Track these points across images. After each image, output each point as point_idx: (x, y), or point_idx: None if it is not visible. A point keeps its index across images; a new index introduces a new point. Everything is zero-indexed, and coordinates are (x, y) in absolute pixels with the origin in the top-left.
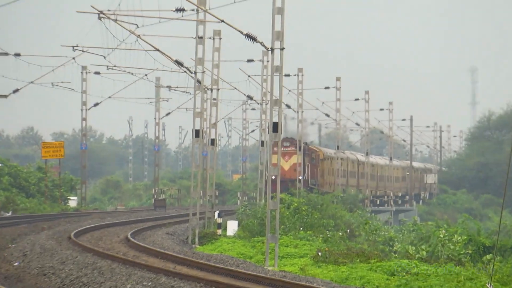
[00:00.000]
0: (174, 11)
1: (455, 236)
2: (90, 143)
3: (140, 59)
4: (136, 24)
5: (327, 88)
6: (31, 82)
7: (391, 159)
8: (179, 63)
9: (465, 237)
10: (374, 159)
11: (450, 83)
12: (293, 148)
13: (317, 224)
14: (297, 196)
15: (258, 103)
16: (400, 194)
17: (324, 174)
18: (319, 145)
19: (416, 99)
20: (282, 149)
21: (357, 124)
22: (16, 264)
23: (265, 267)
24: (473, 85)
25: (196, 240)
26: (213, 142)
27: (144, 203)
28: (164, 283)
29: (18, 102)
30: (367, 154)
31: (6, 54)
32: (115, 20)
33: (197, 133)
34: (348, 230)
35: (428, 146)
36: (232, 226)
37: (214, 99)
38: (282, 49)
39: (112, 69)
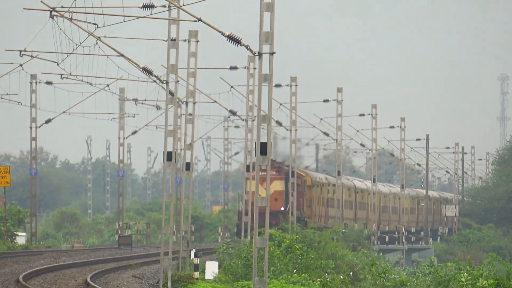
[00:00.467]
0: (141, 7)
1: (480, 280)
2: (41, 168)
3: (100, 66)
4: (96, 24)
5: (326, 101)
6: None
7: (402, 186)
8: (147, 71)
9: (492, 281)
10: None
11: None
12: (274, 173)
13: (313, 265)
14: (289, 232)
15: (243, 120)
16: (413, 230)
17: (312, 204)
18: (317, 170)
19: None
20: (260, 173)
21: (362, 145)
22: None
23: None
24: (503, 97)
25: (169, 284)
26: (188, 166)
27: (106, 240)
28: None
29: None
30: (374, 181)
31: None
32: (70, 19)
33: (169, 156)
34: (351, 273)
35: (447, 172)
36: (211, 268)
37: (190, 114)
38: (272, 53)
39: (67, 78)
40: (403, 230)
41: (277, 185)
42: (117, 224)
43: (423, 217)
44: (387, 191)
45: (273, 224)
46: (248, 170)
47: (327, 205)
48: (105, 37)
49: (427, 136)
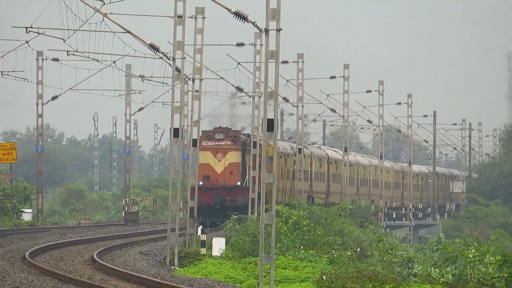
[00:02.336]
0: None
1: (487, 256)
2: (47, 145)
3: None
4: (102, 1)
5: (333, 78)
6: None
7: (410, 163)
8: (154, 48)
9: (500, 258)
10: (355, 157)
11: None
12: (229, 142)
13: (321, 241)
14: (297, 208)
15: (250, 96)
16: (420, 206)
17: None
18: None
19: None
20: (213, 143)
21: (369, 121)
22: None
23: None
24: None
25: (176, 261)
26: (195, 143)
27: (113, 216)
28: None
29: None
30: (381, 157)
31: None
32: None
33: (176, 132)
34: (358, 249)
35: (454, 148)
36: (218, 244)
37: (197, 91)
38: (278, 30)
39: (73, 55)
40: (410, 206)
41: (232, 157)
42: (123, 200)
43: (430, 193)
44: (366, 162)
45: (228, 201)
46: (254, 146)
47: (293, 178)
48: (111, 13)
49: (434, 112)
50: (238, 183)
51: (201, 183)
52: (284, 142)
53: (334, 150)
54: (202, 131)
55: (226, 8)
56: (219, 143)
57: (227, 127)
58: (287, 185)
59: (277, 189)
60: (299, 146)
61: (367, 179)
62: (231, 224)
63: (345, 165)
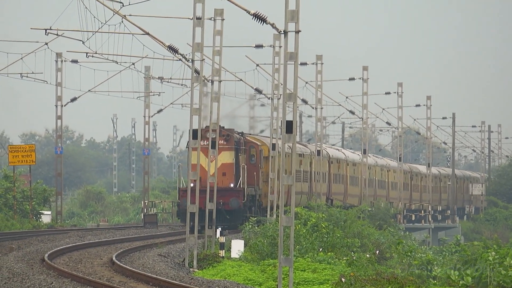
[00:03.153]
0: None
1: (507, 258)
2: (66, 146)
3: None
4: (121, 2)
5: (351, 79)
6: None
7: (429, 165)
8: (173, 50)
9: None
10: (351, 154)
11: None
12: (222, 142)
13: (339, 244)
14: (316, 210)
15: (269, 98)
16: (439, 208)
17: (269, 179)
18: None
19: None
20: (205, 142)
21: (388, 123)
22: None
23: None
24: None
25: (194, 263)
26: (214, 145)
27: (132, 218)
28: None
29: None
30: (400, 159)
31: None
32: None
33: (194, 134)
34: (377, 252)
35: (474, 150)
36: (237, 246)
37: (216, 93)
38: (297, 32)
39: (92, 56)
40: (429, 209)
41: (225, 157)
42: (142, 202)
43: (448, 196)
44: (372, 162)
45: (221, 204)
46: (273, 148)
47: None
48: (130, 15)
49: (453, 114)
50: (231, 185)
51: (192, 184)
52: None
53: (336, 149)
54: (193, 129)
55: (245, 10)
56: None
57: (219, 125)
58: (284, 187)
59: (272, 190)
60: (318, 148)
61: (384, 181)
62: (250, 226)
63: (347, 165)
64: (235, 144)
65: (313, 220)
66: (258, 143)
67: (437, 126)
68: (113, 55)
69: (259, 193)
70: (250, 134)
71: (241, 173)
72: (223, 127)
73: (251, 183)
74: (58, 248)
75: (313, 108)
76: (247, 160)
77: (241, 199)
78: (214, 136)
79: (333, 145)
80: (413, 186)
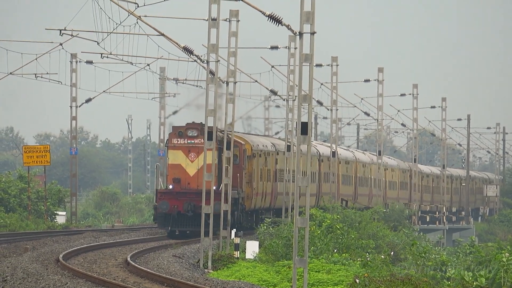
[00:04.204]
0: None
1: None
2: (81, 147)
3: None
4: (136, 3)
5: (367, 81)
6: (10, 73)
7: (443, 166)
8: (188, 51)
9: None
10: (346, 151)
11: None
12: (203, 140)
13: (354, 245)
14: (330, 212)
15: (284, 99)
16: (454, 209)
17: (253, 180)
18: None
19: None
20: (185, 141)
21: (403, 124)
22: None
23: None
24: None
25: (209, 264)
26: (229, 146)
27: (146, 219)
28: None
29: None
30: (414, 161)
31: None
32: None
33: (210, 135)
34: (391, 253)
35: (488, 152)
36: (252, 248)
37: (231, 94)
38: (313, 33)
39: (107, 57)
40: (444, 210)
41: (208, 157)
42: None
43: (464, 197)
44: (367, 160)
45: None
46: (288, 150)
47: (275, 179)
48: (145, 16)
49: (468, 116)
50: (214, 187)
51: (170, 186)
52: (264, 138)
53: (327, 146)
54: (173, 126)
55: (261, 11)
56: (192, 141)
57: (201, 122)
58: (267, 188)
59: (255, 193)
60: (333, 150)
61: (395, 182)
62: (265, 227)
63: (340, 163)
64: (218, 143)
65: (328, 221)
66: (242, 142)
67: (452, 128)
68: (128, 56)
69: (242, 196)
70: (234, 132)
71: (223, 174)
72: (203, 124)
73: (234, 185)
74: (73, 249)
75: (328, 109)
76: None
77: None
78: (196, 134)
79: (349, 146)
80: (424, 187)
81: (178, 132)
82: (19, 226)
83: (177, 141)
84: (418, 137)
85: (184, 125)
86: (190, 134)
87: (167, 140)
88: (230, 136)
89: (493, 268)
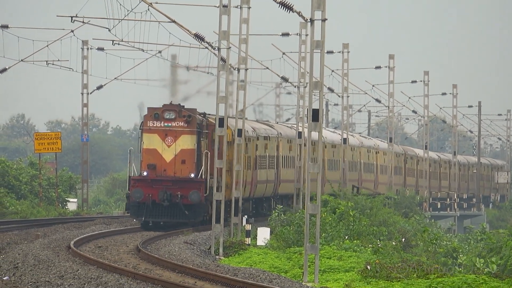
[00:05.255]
0: None
1: None
2: (92, 134)
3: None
4: None
5: (378, 68)
6: (21, 60)
7: (454, 153)
8: (199, 38)
9: None
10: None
11: None
12: (182, 123)
13: (365, 232)
14: (342, 198)
15: (295, 86)
16: (465, 196)
17: (233, 167)
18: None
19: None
20: (161, 123)
21: (414, 111)
22: (5, 278)
23: (303, 283)
24: None
25: (220, 250)
26: (240, 132)
27: None
28: None
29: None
30: (425, 147)
31: None
32: None
33: (221, 122)
34: (403, 239)
35: (499, 139)
36: (263, 234)
37: (242, 81)
38: (324, 20)
39: (118, 44)
40: (455, 197)
41: (186, 142)
42: None
43: (474, 184)
44: (356, 143)
45: (178, 197)
46: (300, 137)
47: (256, 167)
48: (156, 3)
49: (479, 103)
50: (192, 175)
51: (145, 173)
52: (246, 122)
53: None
54: (148, 108)
55: None
56: (169, 124)
57: (179, 104)
58: (247, 176)
59: (236, 181)
60: (345, 136)
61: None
62: (276, 214)
63: (325, 147)
64: (197, 127)
65: (341, 208)
66: None
67: (463, 115)
68: (139, 43)
69: (221, 185)
70: (211, 114)
71: (203, 161)
72: (183, 106)
73: (213, 173)
74: (84, 236)
75: (339, 96)
76: (209, 145)
77: (202, 192)
78: (173, 117)
79: (360, 133)
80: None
81: (154, 114)
82: (30, 213)
83: (153, 123)
84: (429, 124)
85: (161, 106)
86: (167, 117)
87: (142, 122)
88: (211, 119)
89: (505, 254)
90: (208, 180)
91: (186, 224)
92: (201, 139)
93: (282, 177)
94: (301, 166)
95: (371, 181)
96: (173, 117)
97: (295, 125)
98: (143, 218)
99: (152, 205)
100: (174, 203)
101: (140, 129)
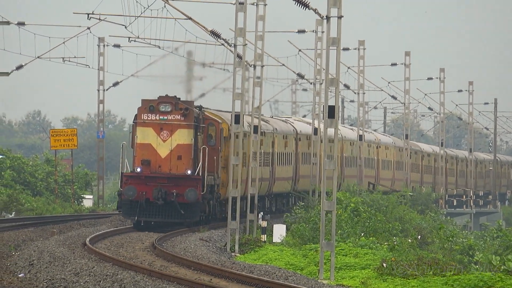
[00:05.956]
0: None
1: None
2: (108, 131)
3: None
4: None
5: (394, 65)
6: (38, 57)
7: (470, 150)
8: (215, 35)
9: None
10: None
11: None
12: (178, 117)
13: (381, 228)
14: (357, 195)
15: (311, 83)
16: (481, 193)
17: (229, 165)
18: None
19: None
20: (157, 116)
21: (430, 108)
22: (20, 275)
23: (319, 281)
24: None
25: (236, 247)
26: (256, 129)
27: None
28: None
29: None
30: (441, 145)
31: (7, 23)
32: None
33: (237, 119)
34: (419, 237)
35: None
36: (279, 231)
37: (258, 77)
38: (340, 17)
39: (134, 41)
40: (471, 194)
41: (182, 136)
42: None
43: (491, 181)
44: (354, 137)
45: (174, 196)
46: (315, 133)
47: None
48: (173, 0)
49: (495, 100)
50: (189, 172)
51: (138, 169)
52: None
53: (307, 123)
54: (143, 100)
55: None
56: (165, 117)
57: (175, 96)
58: (243, 174)
59: (233, 179)
60: (360, 133)
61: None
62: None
63: (322, 142)
64: (194, 120)
65: (352, 204)
66: (219, 120)
67: (479, 112)
68: (156, 39)
69: (217, 183)
70: (208, 108)
71: (200, 157)
72: (179, 98)
73: (210, 170)
74: (100, 232)
75: (355, 93)
76: (205, 141)
77: (199, 190)
78: (169, 110)
79: (375, 130)
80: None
81: (148, 106)
82: (46, 209)
83: (147, 116)
84: (445, 121)
85: (157, 98)
86: (163, 109)
87: (135, 115)
88: (207, 113)
89: None
90: (205, 177)
91: (181, 224)
92: (198, 133)
93: (277, 175)
94: (316, 163)
95: (388, 179)
96: (169, 110)
97: (289, 120)
98: (135, 218)
99: (145, 204)
100: (169, 201)
101: (133, 122)
